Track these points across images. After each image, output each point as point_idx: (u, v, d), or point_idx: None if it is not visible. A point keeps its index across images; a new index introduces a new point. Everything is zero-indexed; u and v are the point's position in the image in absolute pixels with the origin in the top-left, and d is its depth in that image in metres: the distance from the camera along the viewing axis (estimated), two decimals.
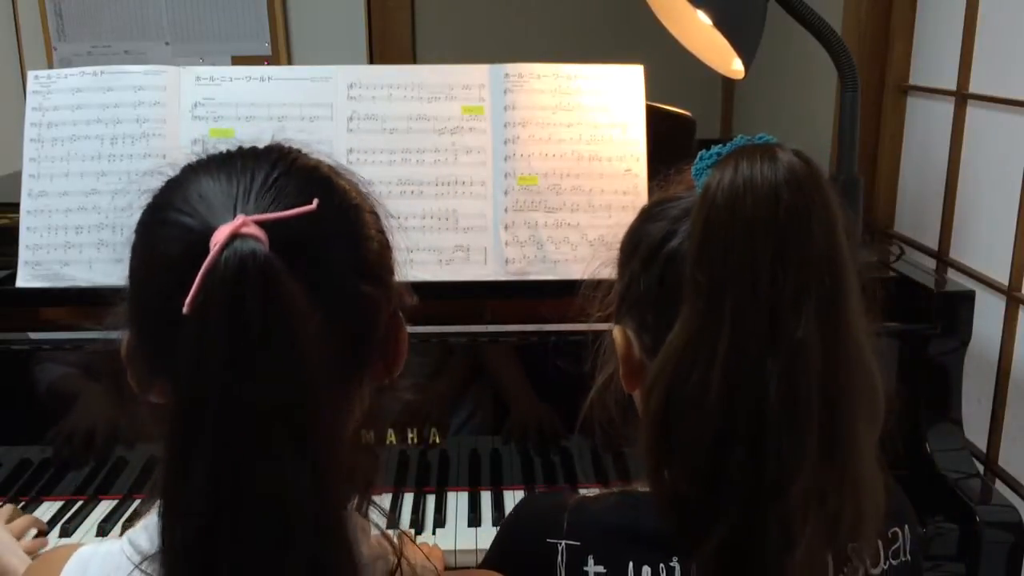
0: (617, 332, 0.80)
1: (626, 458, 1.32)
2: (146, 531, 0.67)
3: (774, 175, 0.68)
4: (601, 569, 0.77)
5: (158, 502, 0.60)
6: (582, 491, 0.96)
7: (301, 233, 0.60)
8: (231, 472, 0.57)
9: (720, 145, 0.75)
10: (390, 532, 0.71)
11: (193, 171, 0.66)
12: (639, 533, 0.77)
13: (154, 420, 0.63)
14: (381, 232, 0.68)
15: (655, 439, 0.73)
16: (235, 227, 0.57)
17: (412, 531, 1.25)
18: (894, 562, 0.82)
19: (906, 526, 0.84)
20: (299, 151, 0.67)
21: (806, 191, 0.68)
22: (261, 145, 0.67)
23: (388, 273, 0.68)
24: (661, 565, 0.76)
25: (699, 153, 0.75)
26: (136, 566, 0.65)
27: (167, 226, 0.62)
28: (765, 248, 0.67)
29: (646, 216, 0.80)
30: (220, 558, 0.57)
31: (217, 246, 0.56)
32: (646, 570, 0.76)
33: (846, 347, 0.70)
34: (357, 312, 0.64)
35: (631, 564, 0.76)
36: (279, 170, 0.63)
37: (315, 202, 0.60)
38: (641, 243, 0.78)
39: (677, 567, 0.76)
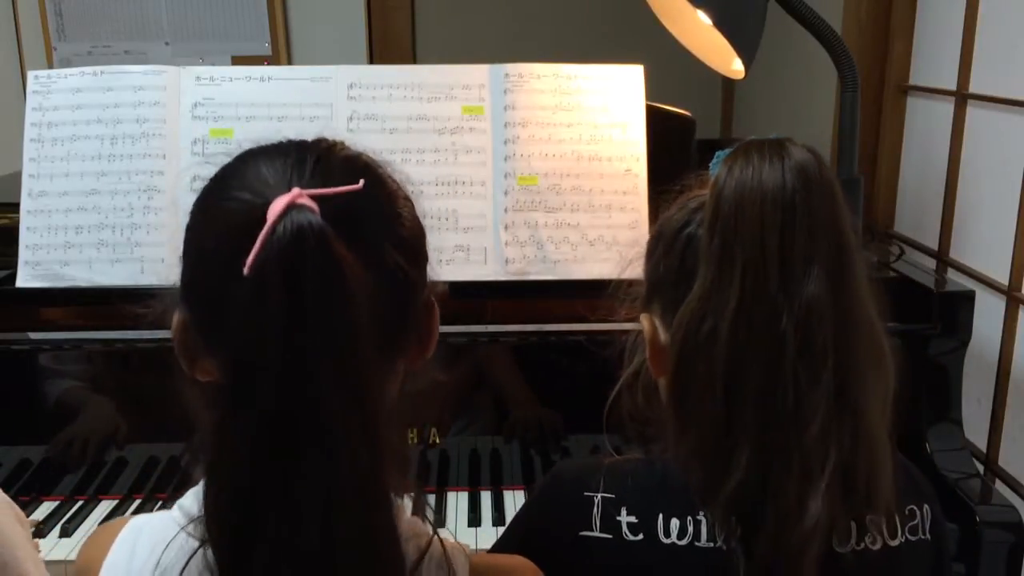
0: (644, 320, 0.86)
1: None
2: (195, 496, 0.71)
3: (783, 159, 0.75)
4: (633, 519, 0.82)
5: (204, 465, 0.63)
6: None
7: (348, 208, 0.65)
8: (284, 430, 0.60)
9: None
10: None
11: (249, 155, 0.71)
12: (667, 489, 0.83)
13: (199, 398, 0.67)
14: (415, 218, 0.73)
15: (676, 396, 0.80)
16: (291, 198, 0.61)
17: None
18: (911, 538, 0.84)
19: (925, 505, 0.87)
20: (343, 142, 0.73)
21: (813, 177, 0.75)
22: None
23: (423, 257, 0.73)
24: (688, 518, 0.81)
25: (716, 154, 0.80)
26: (182, 528, 0.69)
27: (226, 202, 0.67)
28: (774, 216, 0.73)
29: (672, 212, 0.86)
30: (265, 521, 0.60)
31: (276, 214, 0.60)
32: (675, 523, 0.81)
33: (853, 305, 0.76)
34: (396, 285, 0.68)
35: (660, 516, 0.82)
36: (327, 155, 0.70)
37: (361, 182, 0.66)
38: (663, 232, 0.85)
39: (704, 520, 0.81)
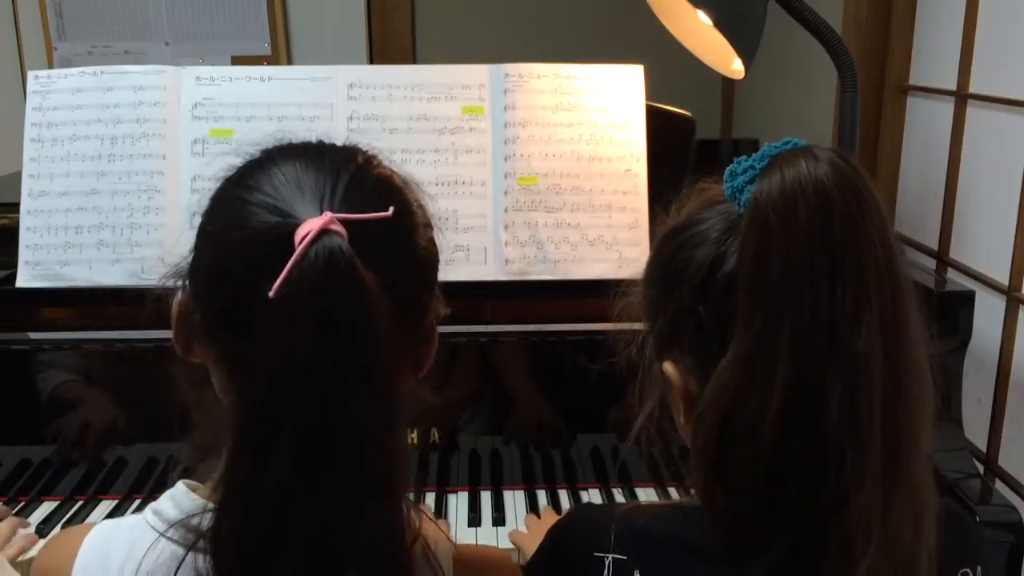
0: (669, 367, 0.76)
1: (628, 467, 1.32)
2: (172, 500, 0.71)
3: (823, 180, 0.65)
4: None
5: (181, 472, 0.66)
6: (639, 494, 0.93)
7: (374, 235, 0.65)
8: (314, 447, 0.61)
9: (745, 157, 0.72)
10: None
11: (281, 155, 0.69)
12: (688, 548, 0.75)
13: (191, 382, 0.69)
14: (433, 244, 0.73)
15: (709, 464, 0.71)
16: (324, 223, 0.61)
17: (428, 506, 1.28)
18: None
19: (979, 567, 0.80)
20: (377, 158, 0.72)
21: (857, 193, 0.65)
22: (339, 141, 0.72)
23: (434, 283, 0.73)
24: None
25: (727, 171, 0.72)
26: (161, 534, 0.69)
27: (253, 206, 0.66)
28: (823, 262, 0.64)
29: (677, 244, 0.76)
30: (290, 533, 0.61)
31: (308, 239, 0.61)
32: None
33: (907, 356, 0.67)
34: (409, 312, 0.68)
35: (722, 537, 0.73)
36: (362, 174, 0.69)
37: (391, 210, 0.66)
38: (686, 271, 0.73)
39: None
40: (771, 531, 0.68)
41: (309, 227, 0.61)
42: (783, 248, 0.65)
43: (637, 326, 0.81)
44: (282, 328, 0.60)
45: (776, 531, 0.68)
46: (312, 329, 0.60)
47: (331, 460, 0.61)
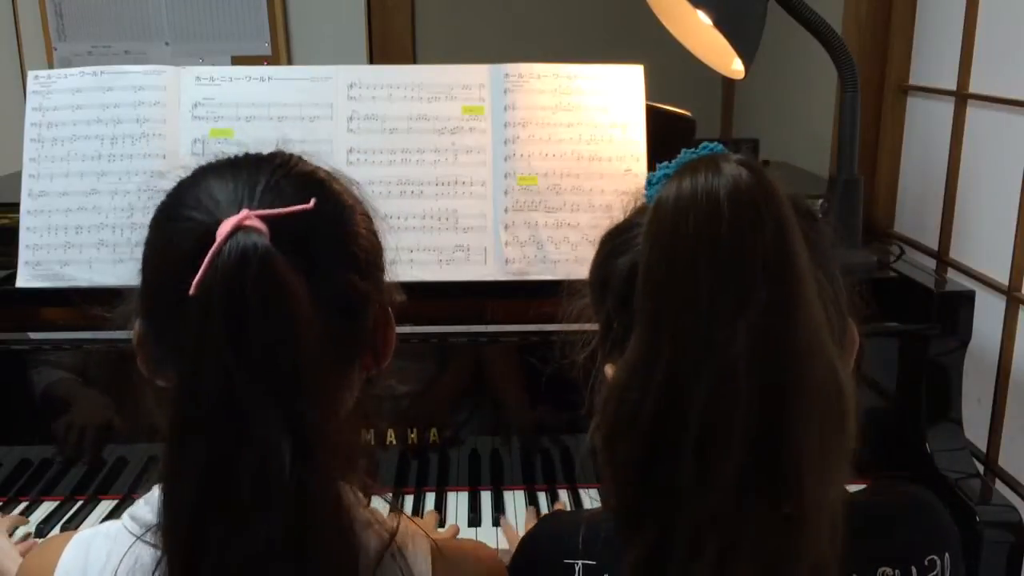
0: (609, 370, 0.77)
1: None
2: (148, 504, 0.72)
3: (716, 190, 0.65)
4: None
5: (159, 475, 0.66)
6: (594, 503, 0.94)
7: (298, 228, 0.66)
8: (224, 442, 0.62)
9: (666, 164, 0.73)
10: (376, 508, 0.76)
11: (203, 173, 0.72)
12: None
13: (159, 403, 0.69)
14: (372, 233, 0.73)
15: (604, 462, 0.73)
16: (239, 219, 0.63)
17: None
18: None
19: (946, 554, 0.81)
20: (299, 157, 0.73)
21: (750, 203, 0.65)
22: (264, 150, 0.73)
23: (378, 270, 0.73)
24: None
25: (647, 176, 0.74)
26: (138, 538, 0.70)
27: (179, 221, 0.68)
28: (706, 270, 0.65)
29: (610, 249, 0.78)
30: (210, 522, 0.63)
31: (222, 236, 0.62)
32: None
33: (795, 365, 0.66)
34: (347, 302, 0.69)
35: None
36: (280, 173, 0.70)
37: (312, 201, 0.67)
38: (611, 279, 0.76)
39: None
40: (638, 526, 0.70)
41: (227, 225, 0.63)
42: (670, 254, 0.66)
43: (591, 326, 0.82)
44: (196, 326, 0.61)
45: (642, 527, 0.69)
46: (223, 323, 0.61)
47: (239, 467, 0.62)
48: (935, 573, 0.80)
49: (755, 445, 0.65)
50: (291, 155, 0.73)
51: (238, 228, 0.62)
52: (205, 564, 0.62)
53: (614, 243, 0.78)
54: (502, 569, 0.84)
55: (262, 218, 0.64)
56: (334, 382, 0.69)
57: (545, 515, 1.25)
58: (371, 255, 0.72)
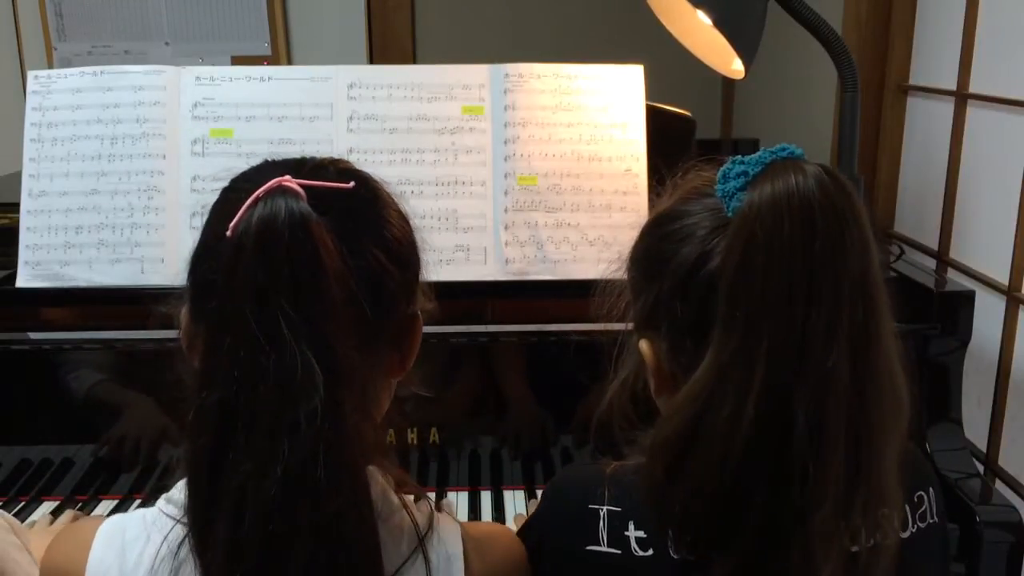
0: (644, 345, 0.80)
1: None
2: (181, 491, 0.73)
3: (809, 197, 0.67)
4: (641, 534, 0.79)
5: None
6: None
7: (337, 203, 0.70)
8: (249, 395, 0.64)
9: (740, 159, 0.73)
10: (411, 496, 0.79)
11: (263, 163, 0.78)
12: None
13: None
14: (407, 230, 0.77)
15: (674, 457, 0.73)
16: (279, 180, 0.68)
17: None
18: (921, 524, 0.83)
19: (931, 489, 0.85)
20: (348, 161, 0.80)
21: (839, 212, 0.67)
22: (264, 150, 0.83)
23: (410, 266, 0.76)
24: None
25: (720, 172, 0.74)
26: (177, 521, 0.71)
27: (232, 191, 0.74)
28: (801, 280, 0.67)
29: (663, 234, 0.78)
30: (232, 462, 0.65)
31: (263, 190, 0.67)
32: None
33: (876, 371, 0.70)
34: (376, 281, 0.71)
35: (671, 531, 0.77)
36: (326, 162, 0.77)
37: (351, 183, 0.72)
38: (670, 264, 0.76)
39: None
40: (733, 534, 0.71)
41: (267, 185, 0.67)
42: (766, 262, 0.67)
43: (618, 326, 0.85)
44: (229, 261, 0.65)
45: (738, 534, 0.70)
46: (255, 260, 0.64)
47: (262, 417, 0.64)
48: (924, 508, 0.84)
49: (848, 455, 0.69)
50: (343, 158, 0.80)
51: (277, 187, 0.67)
52: (225, 502, 0.64)
53: (669, 227, 0.78)
54: (524, 551, 0.86)
55: (302, 186, 0.68)
56: (367, 364, 0.70)
57: (568, 465, 1.29)
58: (403, 247, 0.75)
